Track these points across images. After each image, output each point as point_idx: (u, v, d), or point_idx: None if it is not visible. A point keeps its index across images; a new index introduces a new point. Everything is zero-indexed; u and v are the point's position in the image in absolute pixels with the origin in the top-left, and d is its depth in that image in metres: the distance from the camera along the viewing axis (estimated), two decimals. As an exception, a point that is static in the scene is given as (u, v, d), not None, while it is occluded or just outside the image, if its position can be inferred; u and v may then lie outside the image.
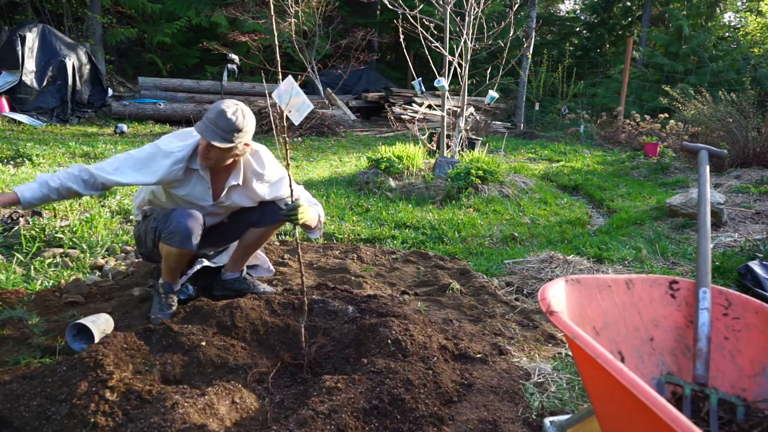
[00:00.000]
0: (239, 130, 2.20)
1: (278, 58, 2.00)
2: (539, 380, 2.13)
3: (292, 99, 1.91)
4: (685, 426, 0.89)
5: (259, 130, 9.64)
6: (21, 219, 3.50)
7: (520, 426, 1.84)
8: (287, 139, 1.94)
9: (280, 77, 1.96)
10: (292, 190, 2.19)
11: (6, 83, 9.19)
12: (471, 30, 6.13)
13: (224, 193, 2.46)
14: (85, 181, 2.24)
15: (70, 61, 9.89)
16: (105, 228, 3.62)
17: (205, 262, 2.78)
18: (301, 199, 2.36)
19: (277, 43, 1.94)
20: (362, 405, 1.72)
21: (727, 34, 15.84)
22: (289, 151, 2.00)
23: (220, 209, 2.55)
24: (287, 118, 1.95)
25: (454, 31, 6.47)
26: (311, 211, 2.45)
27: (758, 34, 14.49)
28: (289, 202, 2.21)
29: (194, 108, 10.85)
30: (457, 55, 6.19)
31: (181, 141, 2.36)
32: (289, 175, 2.14)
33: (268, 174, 2.49)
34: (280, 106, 1.92)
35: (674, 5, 15.52)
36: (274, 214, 2.54)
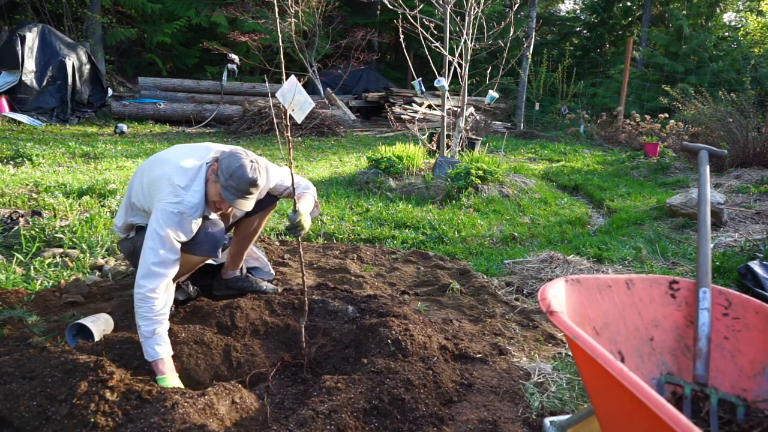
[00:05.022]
0: (260, 186, 2.16)
1: (281, 59, 2.01)
2: (539, 380, 2.13)
3: (295, 98, 1.92)
4: (685, 426, 0.89)
5: (258, 130, 9.64)
6: (21, 219, 3.50)
7: (520, 426, 1.84)
8: (290, 138, 1.94)
9: (284, 77, 1.96)
10: (294, 202, 2.18)
11: (6, 83, 9.19)
12: (471, 30, 6.13)
13: (230, 218, 2.54)
14: (156, 296, 1.97)
15: (70, 61, 9.89)
16: (105, 228, 3.62)
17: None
18: (286, 182, 2.42)
19: (281, 44, 1.94)
20: (362, 405, 1.72)
21: (727, 34, 15.83)
22: (290, 151, 2.00)
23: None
24: (290, 117, 1.95)
25: (454, 31, 6.47)
26: (308, 203, 2.43)
27: (758, 34, 14.47)
28: (290, 213, 2.19)
29: (194, 108, 10.83)
30: (457, 55, 6.19)
31: (186, 181, 2.11)
32: (291, 176, 2.12)
33: (269, 183, 2.47)
34: (283, 105, 1.92)
35: (674, 5, 15.52)
36: (263, 200, 2.51)
